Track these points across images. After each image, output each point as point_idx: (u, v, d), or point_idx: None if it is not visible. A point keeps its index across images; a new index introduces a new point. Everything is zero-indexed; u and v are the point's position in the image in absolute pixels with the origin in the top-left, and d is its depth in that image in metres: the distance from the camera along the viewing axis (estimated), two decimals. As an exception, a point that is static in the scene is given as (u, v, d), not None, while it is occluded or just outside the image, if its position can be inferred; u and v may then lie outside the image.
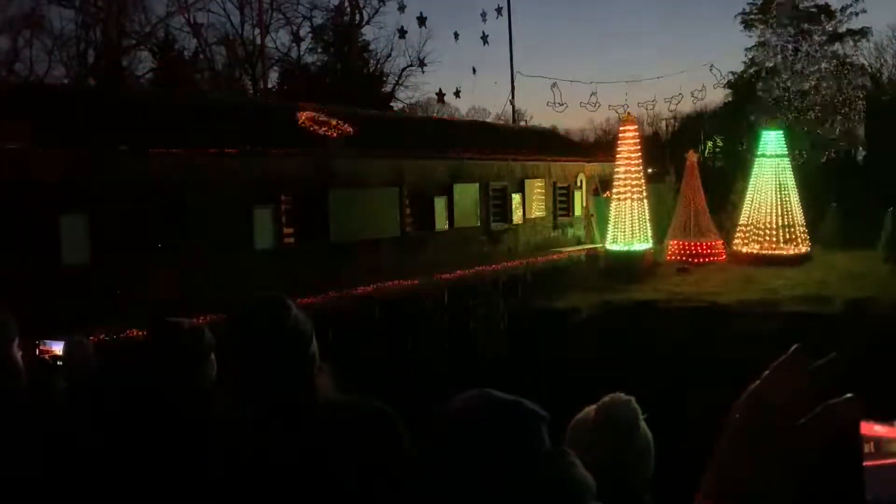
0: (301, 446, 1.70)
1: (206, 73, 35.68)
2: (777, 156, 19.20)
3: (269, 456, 1.68)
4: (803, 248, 18.71)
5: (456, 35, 28.04)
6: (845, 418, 0.66)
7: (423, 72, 37.98)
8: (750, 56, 41.90)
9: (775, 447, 0.67)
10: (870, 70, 38.66)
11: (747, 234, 19.18)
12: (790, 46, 35.15)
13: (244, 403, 1.78)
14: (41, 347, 2.52)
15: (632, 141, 19.20)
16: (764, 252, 18.63)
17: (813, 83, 35.27)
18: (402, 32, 27.81)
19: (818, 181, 26.94)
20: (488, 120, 28.04)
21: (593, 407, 1.86)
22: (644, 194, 19.08)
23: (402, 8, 26.43)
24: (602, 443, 1.73)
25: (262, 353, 1.76)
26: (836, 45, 37.67)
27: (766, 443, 0.68)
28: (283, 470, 1.68)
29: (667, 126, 48.38)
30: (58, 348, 2.41)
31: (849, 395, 0.68)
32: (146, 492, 2.05)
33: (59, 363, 2.46)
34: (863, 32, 40.83)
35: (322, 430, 1.72)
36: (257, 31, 30.95)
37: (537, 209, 19.09)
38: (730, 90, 41.57)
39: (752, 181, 19.93)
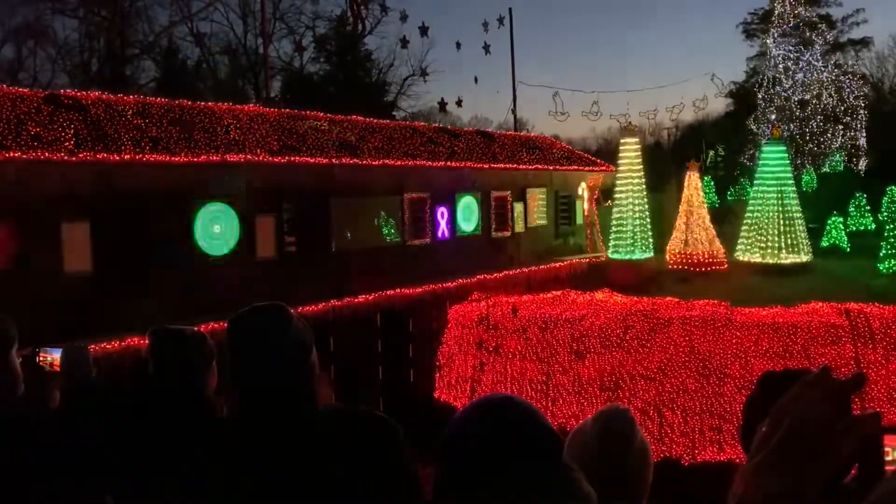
0: (301, 456, 1.69)
1: (210, 81, 35.82)
2: (779, 166, 19.23)
3: (270, 465, 1.68)
4: (805, 258, 18.71)
5: (458, 45, 28.11)
6: (869, 431, 0.72)
7: (425, 81, 38.18)
8: (751, 66, 42.13)
9: (802, 458, 0.71)
10: (871, 80, 38.78)
11: (749, 244, 19.19)
12: (792, 56, 35.25)
13: (245, 412, 1.78)
14: (40, 354, 2.51)
15: (633, 151, 19.25)
16: (766, 261, 18.64)
17: (815, 93, 35.35)
18: (405, 42, 27.90)
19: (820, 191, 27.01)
20: (490, 129, 28.07)
21: (591, 418, 1.87)
22: (646, 204, 19.11)
23: (404, 18, 26.52)
24: (600, 454, 1.75)
25: (262, 362, 1.76)
26: (838, 55, 37.81)
27: (793, 453, 0.72)
28: (284, 479, 1.68)
29: (668, 135, 48.56)
30: (56, 355, 2.41)
31: (873, 410, 0.74)
32: (146, 498, 2.05)
33: (56, 370, 2.46)
34: (864, 42, 41.04)
35: (323, 440, 1.72)
36: (260, 40, 31.08)
37: (539, 218, 19.11)
38: (731, 99, 41.75)
39: (753, 190, 19.97)
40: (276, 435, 1.71)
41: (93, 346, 7.42)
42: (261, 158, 12.05)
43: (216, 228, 11.52)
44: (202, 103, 13.68)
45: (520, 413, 1.06)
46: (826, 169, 34.00)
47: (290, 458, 1.68)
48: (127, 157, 10.29)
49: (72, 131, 10.12)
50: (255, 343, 1.77)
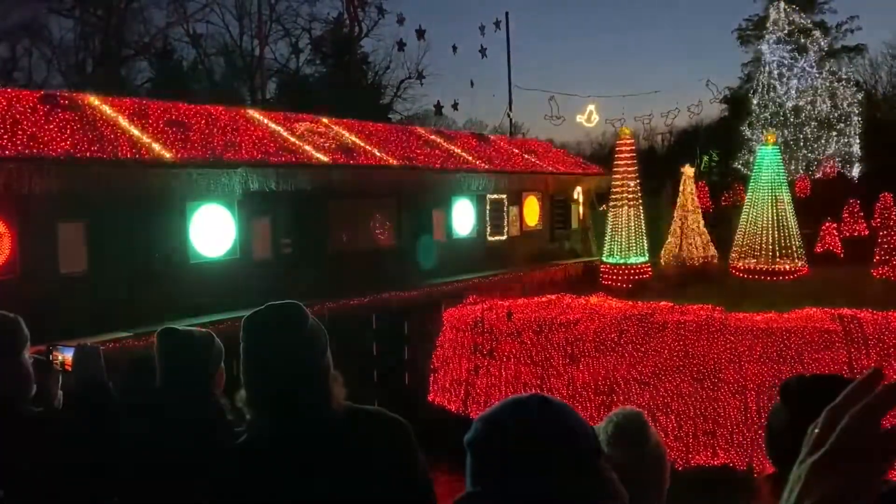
0: (316, 455, 1.69)
1: (205, 83, 35.75)
2: (773, 171, 19.31)
3: (283, 465, 1.68)
4: (799, 264, 18.78)
5: (454, 48, 28.17)
6: None
7: (422, 84, 38.13)
8: (746, 71, 42.31)
9: (858, 459, 0.72)
10: (865, 86, 38.96)
11: (743, 249, 19.25)
12: (786, 62, 35.44)
13: (258, 412, 1.77)
14: (54, 353, 2.51)
15: (628, 154, 19.30)
16: (760, 267, 18.71)
17: (809, 99, 35.49)
18: (401, 45, 27.96)
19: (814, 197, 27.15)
20: (485, 133, 28.11)
21: (604, 422, 1.87)
22: (640, 208, 19.16)
23: (401, 21, 26.58)
24: (615, 457, 1.75)
25: (276, 362, 1.75)
26: (832, 62, 38.01)
27: (850, 454, 0.72)
28: (298, 479, 1.68)
29: (662, 140, 48.70)
30: (68, 354, 2.41)
31: None
32: (155, 500, 2.05)
33: (68, 369, 2.46)
34: (858, 49, 41.24)
35: (337, 440, 1.72)
36: (256, 42, 31.07)
37: (534, 221, 19.16)
38: (725, 105, 41.91)
39: (748, 196, 20.04)
40: (289, 435, 1.71)
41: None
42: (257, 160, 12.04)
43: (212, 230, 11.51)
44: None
45: (559, 411, 1.07)
46: (819, 175, 34.10)
47: (305, 458, 1.68)
48: (123, 157, 10.28)
49: (67, 131, 10.12)
50: (269, 341, 1.76)
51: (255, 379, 1.77)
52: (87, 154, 9.92)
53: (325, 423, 1.74)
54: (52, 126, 10.08)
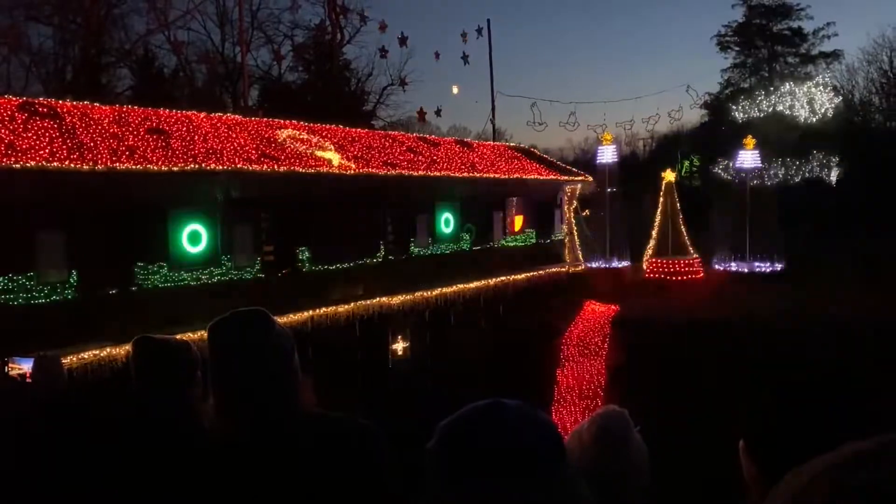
0: (285, 461, 1.69)
1: (186, 90, 35.53)
2: (753, 175, 19.53)
3: (254, 471, 1.68)
4: (779, 266, 18.98)
5: (437, 55, 28.19)
6: None
7: (405, 91, 38.17)
8: (725, 77, 42.76)
9: None
10: (842, 92, 39.48)
11: (723, 251, 19.43)
12: (764, 67, 35.89)
13: (228, 419, 1.77)
14: (9, 364, 2.48)
15: (610, 160, 19.44)
16: (740, 270, 18.88)
17: (787, 104, 35.91)
18: (384, 52, 27.94)
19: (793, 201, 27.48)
20: (469, 139, 28.17)
21: (587, 421, 1.88)
22: (623, 212, 19.30)
23: (383, 28, 26.55)
24: (597, 456, 1.75)
25: (243, 368, 1.76)
26: (809, 67, 38.53)
27: None
28: (268, 484, 1.67)
29: (644, 146, 49.06)
30: (27, 365, 2.39)
31: None
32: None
33: (27, 380, 2.43)
34: (835, 55, 41.79)
35: (305, 445, 1.72)
36: (238, 48, 30.97)
37: (518, 227, 19.20)
38: (706, 110, 42.34)
39: (727, 200, 20.25)
40: (258, 440, 1.71)
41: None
42: (239, 167, 11.98)
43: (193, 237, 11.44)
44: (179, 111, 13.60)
45: (515, 416, 1.06)
46: (798, 179, 34.49)
47: (273, 464, 1.68)
48: (102, 165, 10.19)
49: (46, 139, 10.02)
50: (235, 348, 1.77)
51: (221, 384, 1.78)
52: (67, 162, 9.83)
53: (291, 428, 1.74)
54: (30, 134, 9.98)
